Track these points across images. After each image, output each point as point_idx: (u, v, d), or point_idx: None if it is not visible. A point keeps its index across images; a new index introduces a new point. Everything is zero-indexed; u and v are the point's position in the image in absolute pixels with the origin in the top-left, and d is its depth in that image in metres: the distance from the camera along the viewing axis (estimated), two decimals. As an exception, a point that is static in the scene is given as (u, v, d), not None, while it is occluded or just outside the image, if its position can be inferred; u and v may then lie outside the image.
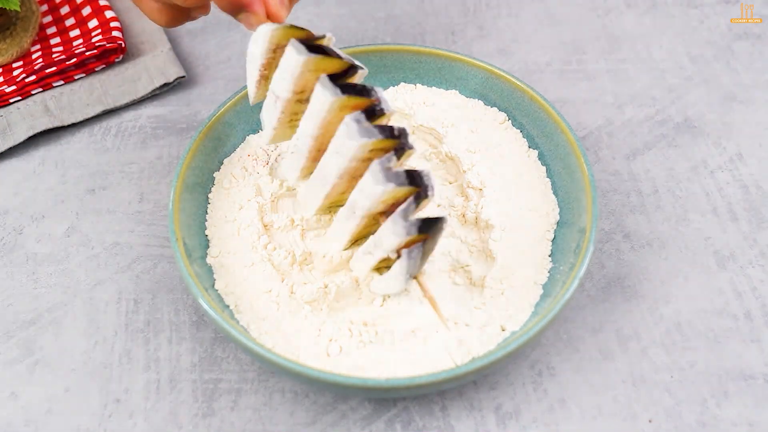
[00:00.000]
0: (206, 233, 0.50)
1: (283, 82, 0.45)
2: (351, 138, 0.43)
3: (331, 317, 0.46)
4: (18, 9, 0.60)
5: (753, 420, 0.45)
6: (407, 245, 0.44)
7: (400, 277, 0.45)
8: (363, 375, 0.43)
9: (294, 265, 0.48)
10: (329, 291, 0.47)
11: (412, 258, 0.44)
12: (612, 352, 0.48)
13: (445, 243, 0.50)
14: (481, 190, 0.51)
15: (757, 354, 0.48)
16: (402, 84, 0.58)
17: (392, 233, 0.44)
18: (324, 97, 0.43)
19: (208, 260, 0.49)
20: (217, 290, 0.47)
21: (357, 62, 0.46)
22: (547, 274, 0.48)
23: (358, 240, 0.48)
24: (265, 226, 0.50)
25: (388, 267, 0.46)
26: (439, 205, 0.52)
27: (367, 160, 0.44)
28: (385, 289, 0.47)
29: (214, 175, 0.53)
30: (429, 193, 0.44)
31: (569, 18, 0.68)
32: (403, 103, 0.56)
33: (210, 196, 0.52)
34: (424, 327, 0.45)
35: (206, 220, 0.51)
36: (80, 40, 0.63)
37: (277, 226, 0.50)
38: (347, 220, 0.46)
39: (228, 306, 0.46)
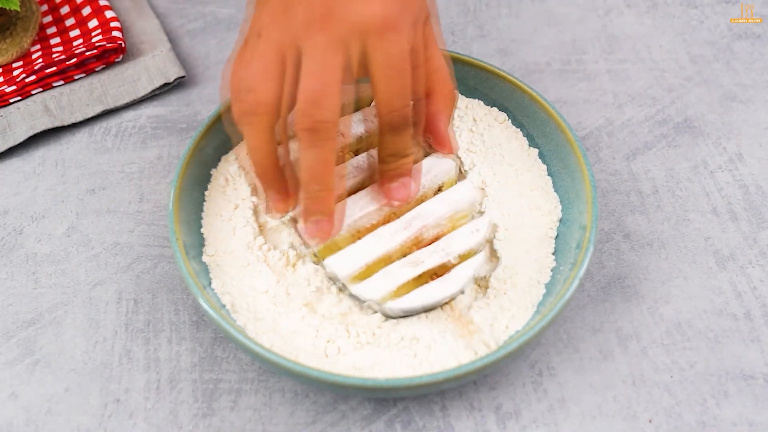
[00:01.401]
0: (201, 231, 0.50)
1: (365, 124, 0.51)
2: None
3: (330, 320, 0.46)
4: (18, 9, 0.60)
5: (753, 420, 0.45)
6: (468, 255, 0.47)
7: (463, 278, 0.46)
8: (363, 375, 0.43)
9: (288, 267, 0.48)
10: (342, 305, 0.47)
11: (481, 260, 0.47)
12: (612, 352, 0.48)
13: None
14: (483, 189, 0.51)
15: (757, 354, 0.48)
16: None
17: (470, 235, 0.47)
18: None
19: (204, 258, 0.48)
20: (213, 289, 0.47)
21: None
22: (550, 273, 0.48)
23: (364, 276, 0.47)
24: (260, 226, 0.50)
25: (408, 291, 0.46)
26: None
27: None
28: (438, 293, 0.45)
29: (211, 172, 0.53)
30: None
31: (569, 18, 0.68)
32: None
33: (206, 193, 0.52)
34: (426, 336, 0.45)
35: (202, 218, 0.51)
36: (80, 40, 0.63)
37: (270, 227, 0.50)
38: (396, 234, 0.47)
39: (224, 305, 0.46)
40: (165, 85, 0.62)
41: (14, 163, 0.59)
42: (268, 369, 0.47)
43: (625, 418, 0.46)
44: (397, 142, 0.46)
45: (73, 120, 0.60)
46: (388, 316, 0.46)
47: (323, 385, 0.42)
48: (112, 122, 0.61)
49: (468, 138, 0.54)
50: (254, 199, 0.51)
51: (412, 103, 0.45)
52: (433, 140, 0.49)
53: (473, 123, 0.55)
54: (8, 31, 0.63)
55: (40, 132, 0.60)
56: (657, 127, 0.60)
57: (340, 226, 0.47)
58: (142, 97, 0.62)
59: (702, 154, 0.58)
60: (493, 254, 0.49)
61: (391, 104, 0.44)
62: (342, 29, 0.42)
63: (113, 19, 0.64)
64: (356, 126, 0.51)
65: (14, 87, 0.60)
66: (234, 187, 0.52)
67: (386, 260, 0.47)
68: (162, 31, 0.65)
